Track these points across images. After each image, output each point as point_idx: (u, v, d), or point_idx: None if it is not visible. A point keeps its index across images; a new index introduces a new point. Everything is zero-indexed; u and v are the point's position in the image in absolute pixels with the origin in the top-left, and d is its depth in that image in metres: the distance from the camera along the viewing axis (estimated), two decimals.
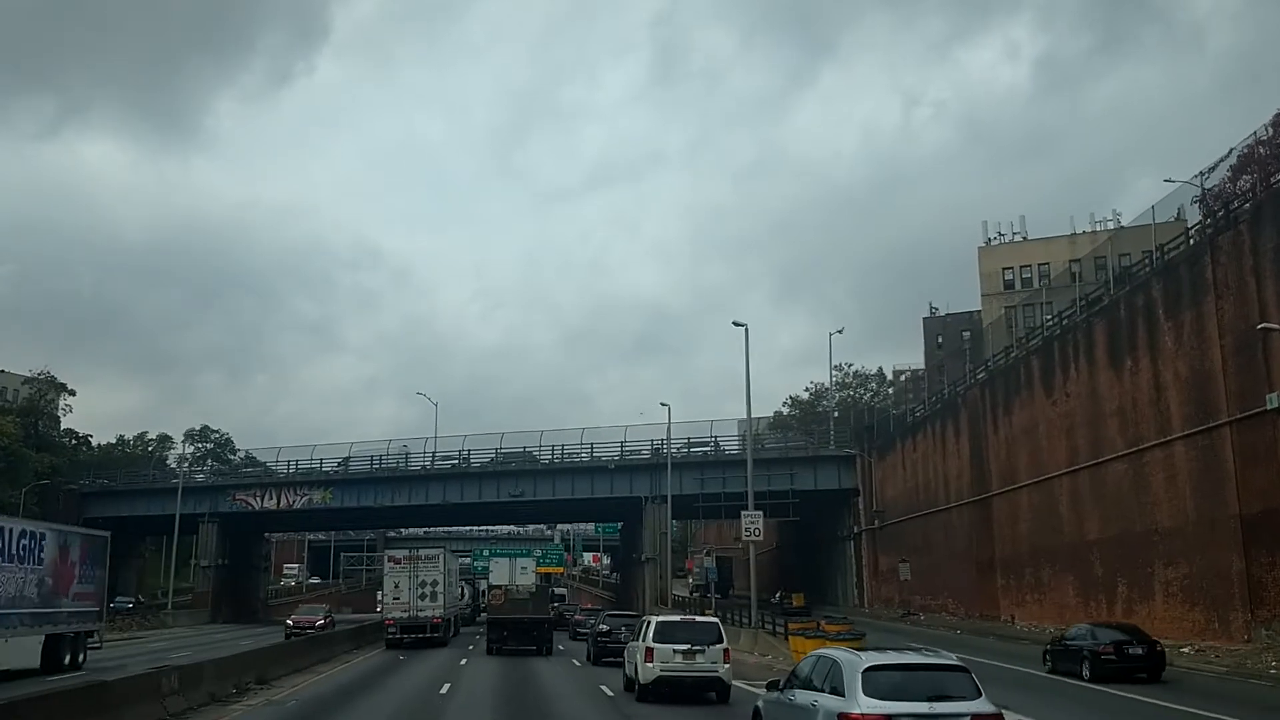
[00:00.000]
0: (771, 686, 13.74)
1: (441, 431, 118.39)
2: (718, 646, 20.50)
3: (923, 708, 10.41)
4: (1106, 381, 35.60)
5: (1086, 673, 24.22)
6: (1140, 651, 24.04)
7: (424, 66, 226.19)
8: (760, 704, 13.86)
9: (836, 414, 69.72)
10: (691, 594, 50.91)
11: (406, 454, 71.38)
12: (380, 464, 70.79)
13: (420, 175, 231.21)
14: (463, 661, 32.41)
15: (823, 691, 11.28)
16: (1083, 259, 69.18)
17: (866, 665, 10.87)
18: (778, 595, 61.31)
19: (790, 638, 31.47)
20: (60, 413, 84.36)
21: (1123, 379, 34.63)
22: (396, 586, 40.54)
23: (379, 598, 72.66)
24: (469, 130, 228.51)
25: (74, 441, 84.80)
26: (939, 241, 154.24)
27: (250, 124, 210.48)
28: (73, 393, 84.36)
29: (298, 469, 71.86)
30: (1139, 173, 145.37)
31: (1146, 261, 36.01)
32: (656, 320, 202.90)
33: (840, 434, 62.52)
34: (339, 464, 71.79)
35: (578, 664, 31.60)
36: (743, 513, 38.25)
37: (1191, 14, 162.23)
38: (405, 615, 39.64)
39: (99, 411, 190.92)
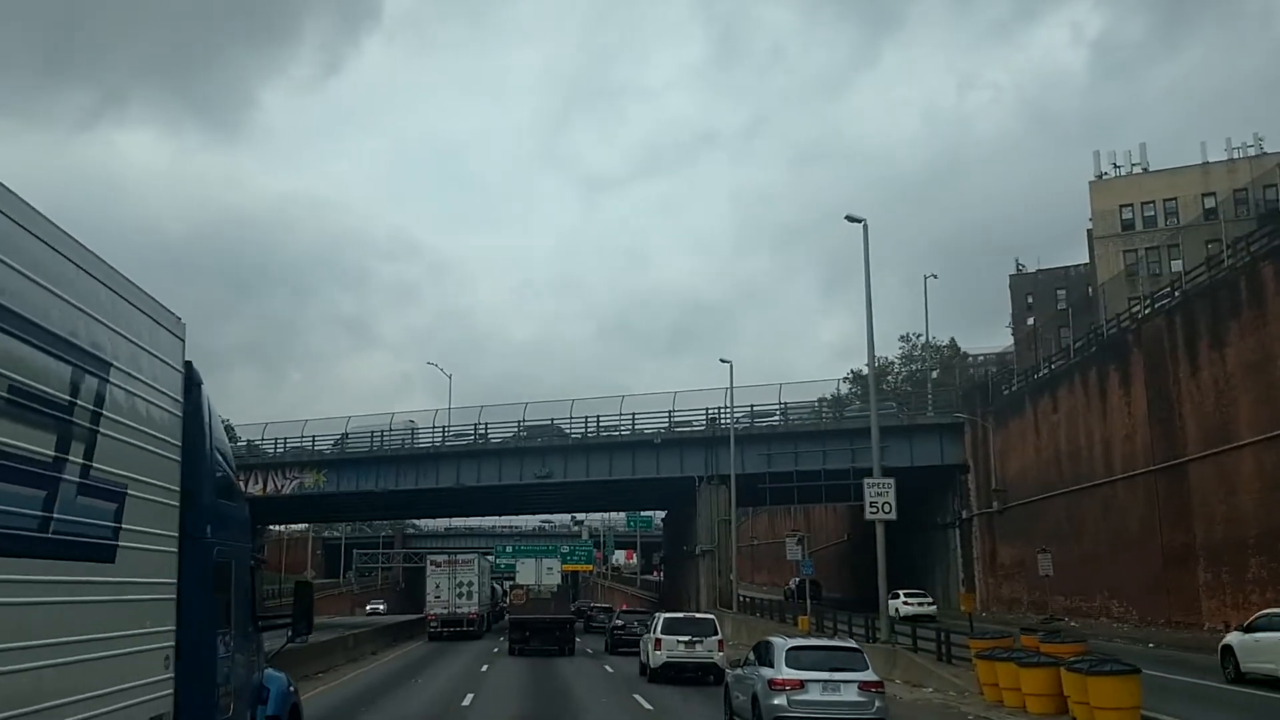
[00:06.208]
0: (734, 664, 18.93)
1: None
2: (713, 638, 24.57)
3: (825, 675, 14.76)
4: None
5: None
6: None
7: (467, 53, 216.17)
8: (729, 679, 18.10)
9: (936, 374, 58.00)
10: (789, 597, 41.09)
11: (414, 430, 60.38)
12: (383, 441, 59.94)
13: (460, 166, 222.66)
14: (464, 702, 21.42)
15: (764, 666, 15.56)
16: (1221, 200, 58.03)
17: (789, 646, 15.59)
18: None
19: (978, 662, 20.09)
20: None
21: None
22: (438, 587, 45.50)
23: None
24: (512, 118, 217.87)
25: None
26: (1001, 227, 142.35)
27: (290, 115, 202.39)
28: None
29: (286, 449, 61.12)
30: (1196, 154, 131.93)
31: None
32: (694, 312, 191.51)
33: (940, 399, 50.88)
34: (335, 442, 61.09)
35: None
36: (867, 480, 27.23)
37: None
38: (445, 612, 44.93)
39: None
